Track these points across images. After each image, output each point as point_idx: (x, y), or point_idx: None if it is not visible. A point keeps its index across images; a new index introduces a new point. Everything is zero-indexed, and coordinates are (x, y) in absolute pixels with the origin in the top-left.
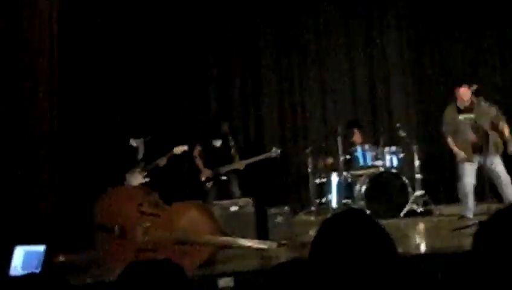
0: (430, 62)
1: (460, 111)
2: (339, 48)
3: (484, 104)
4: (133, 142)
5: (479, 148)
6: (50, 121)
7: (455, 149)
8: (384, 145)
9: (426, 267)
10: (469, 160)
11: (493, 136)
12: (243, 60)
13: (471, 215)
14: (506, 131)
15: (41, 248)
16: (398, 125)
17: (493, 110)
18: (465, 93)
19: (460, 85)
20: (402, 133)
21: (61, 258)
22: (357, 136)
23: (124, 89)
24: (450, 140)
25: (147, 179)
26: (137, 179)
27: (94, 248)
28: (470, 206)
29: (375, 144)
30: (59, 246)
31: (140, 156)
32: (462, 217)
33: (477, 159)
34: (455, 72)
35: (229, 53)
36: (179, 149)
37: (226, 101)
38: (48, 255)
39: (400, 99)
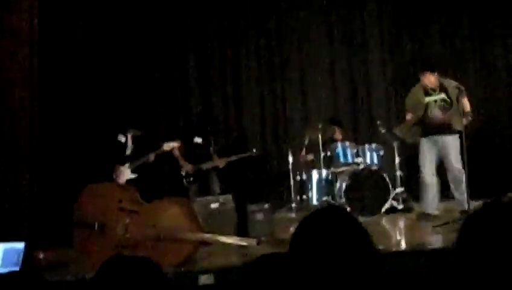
0: (411, 60)
1: (427, 92)
2: (319, 45)
3: (450, 83)
4: (122, 138)
5: (443, 126)
6: (30, 116)
7: (407, 120)
8: (365, 143)
9: (406, 264)
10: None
11: (456, 113)
12: (223, 57)
13: (431, 211)
14: (467, 106)
15: (20, 245)
16: (378, 122)
17: (456, 88)
18: (428, 79)
19: (425, 71)
20: (382, 130)
21: (41, 255)
22: (338, 134)
23: (105, 83)
24: (408, 116)
25: (135, 175)
26: (125, 175)
27: (73, 244)
28: (432, 202)
29: (356, 141)
30: (38, 243)
31: (128, 152)
32: (424, 214)
33: (434, 144)
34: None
35: (209, 49)
36: (168, 145)
37: (207, 98)
38: (28, 252)
39: (381, 97)
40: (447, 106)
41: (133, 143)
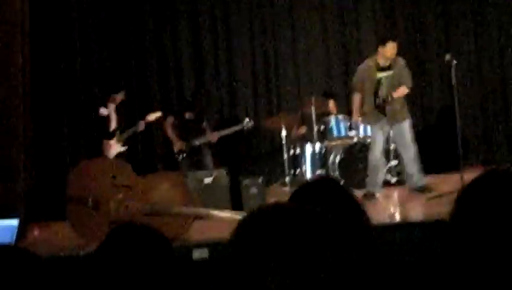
0: (403, 33)
1: (380, 68)
2: (312, 19)
3: (402, 63)
4: (104, 111)
5: (390, 111)
6: (23, 96)
7: (355, 108)
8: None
9: (400, 236)
10: (369, 123)
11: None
12: (214, 31)
13: (377, 191)
14: (402, 92)
15: (14, 222)
16: None
17: (404, 69)
18: (393, 48)
19: (388, 40)
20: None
21: (36, 231)
22: (332, 107)
23: (95, 59)
24: (356, 97)
25: (125, 148)
26: (114, 148)
27: (67, 220)
28: (378, 181)
29: (349, 114)
30: (33, 219)
31: (114, 124)
32: (367, 194)
33: (385, 124)
34: (429, 43)
35: (201, 24)
36: (153, 115)
37: (199, 74)
38: (21, 229)
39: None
40: (393, 84)
41: (116, 115)
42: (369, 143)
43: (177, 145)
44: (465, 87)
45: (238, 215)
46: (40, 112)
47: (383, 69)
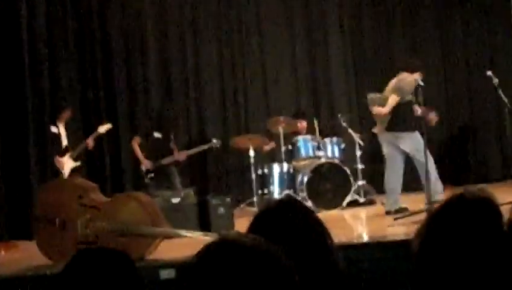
0: (371, 52)
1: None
2: (280, 39)
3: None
4: (54, 129)
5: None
6: None
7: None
8: (326, 136)
9: (368, 256)
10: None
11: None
12: (183, 49)
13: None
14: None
15: None
16: (339, 115)
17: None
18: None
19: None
20: (343, 124)
21: (2, 252)
22: (302, 126)
23: (64, 77)
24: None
25: (78, 163)
26: (67, 164)
27: (32, 239)
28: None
29: (317, 134)
30: None
31: (64, 141)
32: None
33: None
34: (397, 60)
35: (168, 42)
36: (103, 128)
37: (166, 93)
38: None
39: (342, 90)
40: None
41: (66, 131)
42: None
43: (145, 165)
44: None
45: (206, 236)
46: (4, 129)
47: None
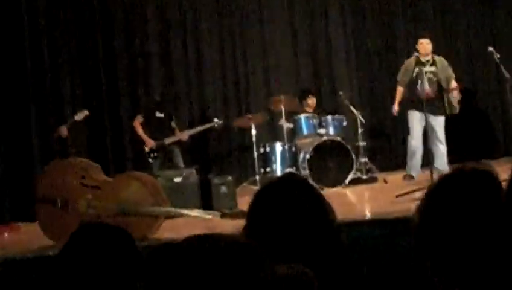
0: (372, 30)
1: (421, 63)
2: (281, 16)
3: (444, 61)
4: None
5: (430, 105)
6: None
7: (396, 99)
8: (328, 114)
9: (370, 233)
10: (417, 109)
11: (447, 94)
12: (183, 29)
13: (415, 174)
14: (456, 90)
15: None
16: (340, 93)
17: (450, 69)
18: (425, 44)
19: (421, 37)
20: (345, 101)
21: (5, 234)
22: (312, 103)
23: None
24: (399, 90)
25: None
26: None
27: (35, 221)
28: (415, 165)
29: (319, 112)
30: (2, 220)
31: None
32: (406, 176)
33: (423, 117)
34: (397, 41)
35: (169, 22)
36: (79, 115)
37: (167, 72)
38: None
39: (343, 67)
40: (435, 81)
41: None
42: (337, 141)
43: (148, 145)
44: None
45: (207, 215)
46: (6, 111)
47: (422, 64)
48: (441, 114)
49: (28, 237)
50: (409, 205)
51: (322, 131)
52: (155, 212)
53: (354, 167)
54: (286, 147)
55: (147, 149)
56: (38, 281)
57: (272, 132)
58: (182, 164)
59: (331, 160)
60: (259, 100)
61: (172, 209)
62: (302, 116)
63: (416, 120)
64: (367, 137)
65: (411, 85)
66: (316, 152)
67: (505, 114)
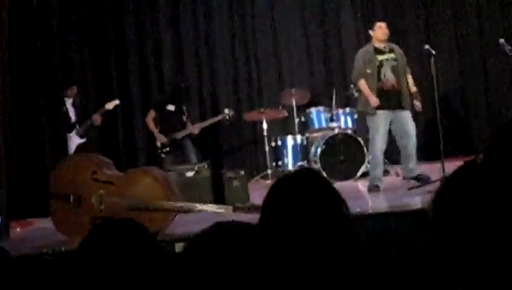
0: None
1: (378, 51)
2: (292, 9)
3: (399, 48)
4: (62, 107)
5: (395, 97)
6: (2, 91)
7: (368, 92)
8: (339, 107)
9: (383, 226)
10: (383, 107)
11: (405, 85)
12: (195, 22)
13: (381, 184)
14: (411, 83)
15: None
16: (351, 86)
17: (404, 57)
18: (385, 28)
19: (376, 21)
20: (356, 94)
21: (19, 230)
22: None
23: (75, 53)
24: (363, 83)
25: (84, 140)
26: (74, 141)
27: (48, 216)
28: (379, 174)
29: (330, 105)
30: (16, 217)
31: (72, 118)
32: (373, 187)
33: (389, 112)
34: (408, 32)
35: (180, 15)
36: (111, 104)
37: (179, 66)
38: (4, 227)
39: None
40: (397, 69)
41: (74, 108)
42: (348, 134)
43: (160, 140)
44: (444, 77)
45: (220, 209)
46: (18, 109)
47: (381, 52)
48: (407, 107)
49: (40, 233)
50: (421, 198)
51: (333, 124)
52: (168, 207)
53: (366, 160)
54: (298, 140)
55: (158, 144)
56: (51, 276)
57: (283, 126)
58: (194, 159)
59: (343, 153)
60: (271, 94)
61: (184, 204)
62: (313, 109)
63: (381, 120)
64: None
65: (367, 79)
66: (327, 145)
67: None
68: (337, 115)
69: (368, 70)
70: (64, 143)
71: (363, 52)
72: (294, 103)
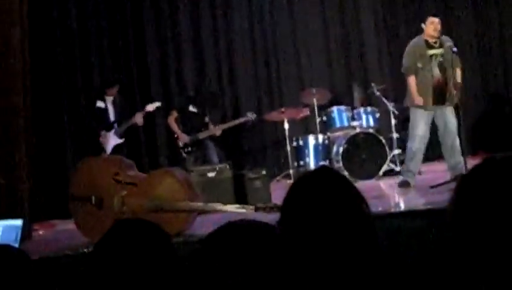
0: (404, 20)
1: (429, 45)
2: (311, 8)
3: (449, 43)
4: (101, 104)
5: (439, 94)
6: (23, 91)
7: (414, 90)
8: (360, 106)
9: (405, 225)
10: (427, 103)
11: (450, 80)
12: (215, 23)
13: (412, 181)
14: (459, 75)
15: (18, 222)
16: (373, 84)
17: (451, 52)
18: (438, 24)
19: (429, 16)
20: (377, 93)
21: (41, 232)
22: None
23: (96, 53)
24: (412, 79)
25: (123, 140)
26: (111, 141)
27: (70, 218)
28: (413, 169)
29: (351, 104)
30: (38, 218)
31: (112, 117)
32: (404, 183)
33: (432, 109)
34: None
35: (201, 15)
36: (151, 106)
37: (200, 67)
38: (26, 229)
39: (375, 59)
40: (443, 64)
41: (114, 107)
42: (370, 133)
43: (182, 140)
44: (465, 74)
45: (241, 209)
46: (40, 110)
47: (431, 47)
48: (451, 103)
49: (63, 235)
50: (444, 196)
51: (355, 123)
52: (189, 207)
53: (388, 158)
54: (319, 140)
55: (181, 144)
56: (73, 278)
57: (304, 125)
58: (216, 159)
59: (365, 152)
60: (291, 93)
61: (206, 205)
62: (335, 108)
63: (423, 116)
64: (400, 129)
65: (418, 74)
66: (349, 144)
67: None
68: (359, 114)
69: (419, 65)
70: (96, 142)
71: (414, 46)
72: (315, 102)
